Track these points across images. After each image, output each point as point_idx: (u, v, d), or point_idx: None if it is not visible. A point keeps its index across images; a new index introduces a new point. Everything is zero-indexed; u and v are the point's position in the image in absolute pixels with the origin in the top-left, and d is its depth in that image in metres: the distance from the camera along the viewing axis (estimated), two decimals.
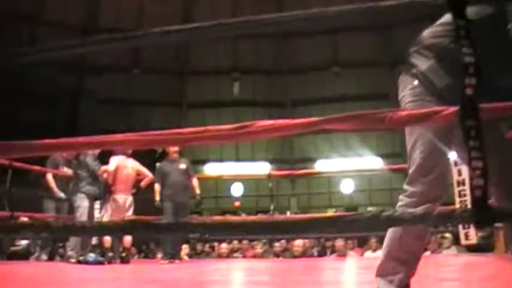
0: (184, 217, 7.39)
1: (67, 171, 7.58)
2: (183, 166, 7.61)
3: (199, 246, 10.77)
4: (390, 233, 2.20)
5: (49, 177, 7.41)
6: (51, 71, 17.45)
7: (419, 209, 1.93)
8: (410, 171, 2.17)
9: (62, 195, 7.42)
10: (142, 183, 7.49)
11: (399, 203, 2.16)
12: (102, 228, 2.03)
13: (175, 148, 7.54)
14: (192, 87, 20.67)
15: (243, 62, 20.23)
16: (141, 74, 19.55)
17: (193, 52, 20.06)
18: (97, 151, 7.34)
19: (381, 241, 8.20)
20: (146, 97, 19.60)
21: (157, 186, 7.39)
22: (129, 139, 1.59)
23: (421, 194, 2.10)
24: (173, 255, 7.24)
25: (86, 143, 1.71)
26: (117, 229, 1.93)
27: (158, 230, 1.74)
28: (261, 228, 1.64)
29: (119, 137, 1.60)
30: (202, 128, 1.58)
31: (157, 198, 7.33)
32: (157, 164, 7.88)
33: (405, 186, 2.17)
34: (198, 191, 7.71)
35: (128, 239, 7.17)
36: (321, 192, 18.48)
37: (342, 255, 8.33)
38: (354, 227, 1.51)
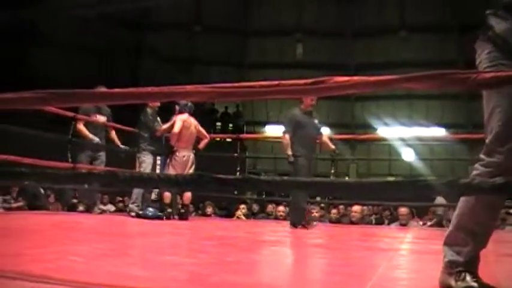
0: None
1: (99, 118, 7.55)
2: (316, 120, 6.71)
3: (255, 207, 10.86)
4: (462, 202, 2.11)
5: (81, 126, 7.31)
6: (113, 27, 17.68)
7: (497, 179, 1.83)
8: (488, 140, 2.05)
9: (95, 138, 7.32)
10: (201, 145, 7.48)
11: (474, 172, 2.05)
12: (168, 181, 2.03)
13: (314, 99, 6.52)
14: (253, 48, 20.52)
15: (307, 23, 19.86)
16: (202, 33, 19.55)
17: (256, 12, 19.86)
18: (156, 106, 7.43)
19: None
20: (207, 56, 19.61)
21: (288, 138, 6.39)
22: (199, 90, 1.56)
23: (497, 165, 1.99)
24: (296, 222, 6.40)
25: (155, 93, 1.70)
26: (183, 182, 1.92)
27: (225, 184, 1.72)
28: (335, 188, 1.60)
29: (189, 88, 1.57)
30: (276, 82, 1.53)
31: (290, 152, 6.32)
32: (290, 113, 6.65)
33: (481, 156, 2.06)
34: (333, 147, 6.97)
35: (187, 196, 7.21)
36: (382, 159, 18.19)
37: (404, 224, 8.07)
38: (429, 193, 1.45)
